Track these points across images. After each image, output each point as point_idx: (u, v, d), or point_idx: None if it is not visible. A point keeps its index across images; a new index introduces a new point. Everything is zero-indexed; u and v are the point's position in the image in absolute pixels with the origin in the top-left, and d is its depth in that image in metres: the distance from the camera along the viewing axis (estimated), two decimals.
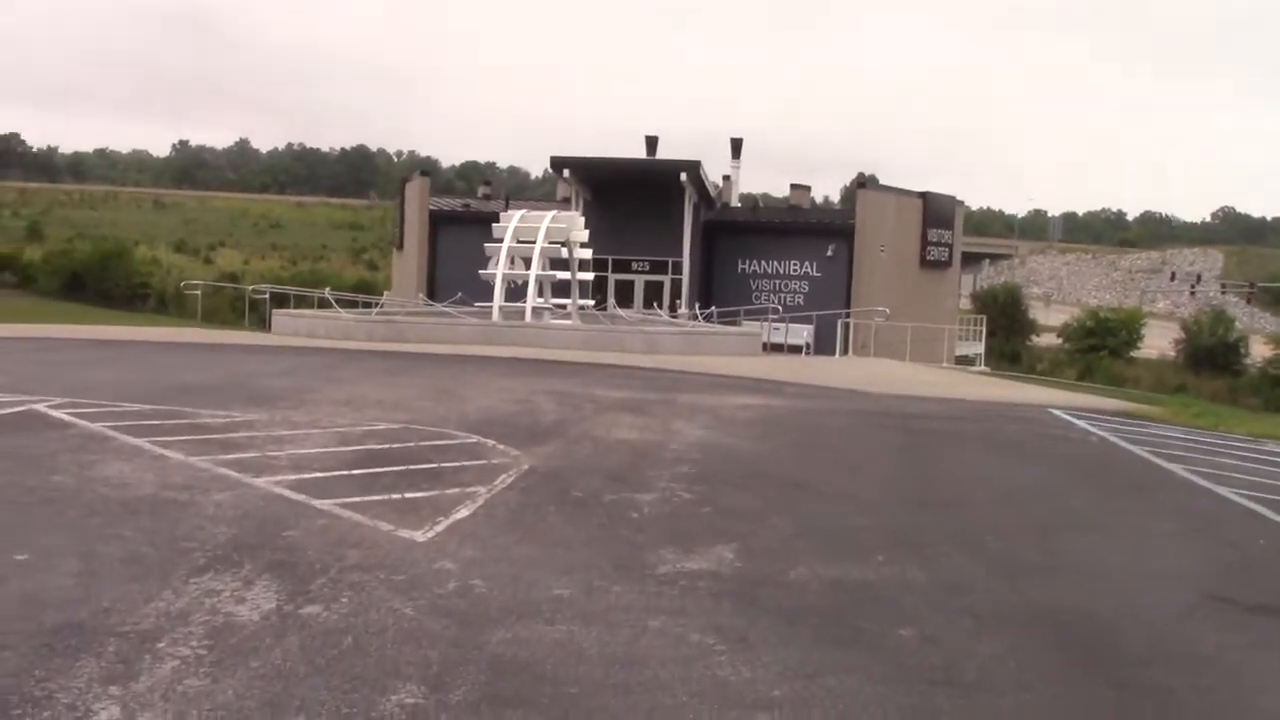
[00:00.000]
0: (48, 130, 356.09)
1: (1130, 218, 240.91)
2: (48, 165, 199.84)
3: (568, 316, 31.43)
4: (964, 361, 46.52)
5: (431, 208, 45.84)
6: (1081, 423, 16.33)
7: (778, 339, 33.47)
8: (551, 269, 31.24)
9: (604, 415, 14.43)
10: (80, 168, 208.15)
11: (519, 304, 28.64)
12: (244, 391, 15.24)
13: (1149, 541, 8.69)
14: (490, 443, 11.70)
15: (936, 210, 46.53)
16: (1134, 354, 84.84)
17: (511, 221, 29.12)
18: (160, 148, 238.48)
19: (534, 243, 28.49)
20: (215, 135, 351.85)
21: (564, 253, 30.01)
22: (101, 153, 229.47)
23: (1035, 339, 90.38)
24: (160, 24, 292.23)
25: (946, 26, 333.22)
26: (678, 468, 10.74)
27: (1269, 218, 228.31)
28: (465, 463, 10.51)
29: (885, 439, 13.62)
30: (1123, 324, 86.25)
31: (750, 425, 14.14)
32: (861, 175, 45.99)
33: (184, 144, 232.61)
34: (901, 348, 33.99)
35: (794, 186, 54.89)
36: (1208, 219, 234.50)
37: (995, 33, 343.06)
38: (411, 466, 10.15)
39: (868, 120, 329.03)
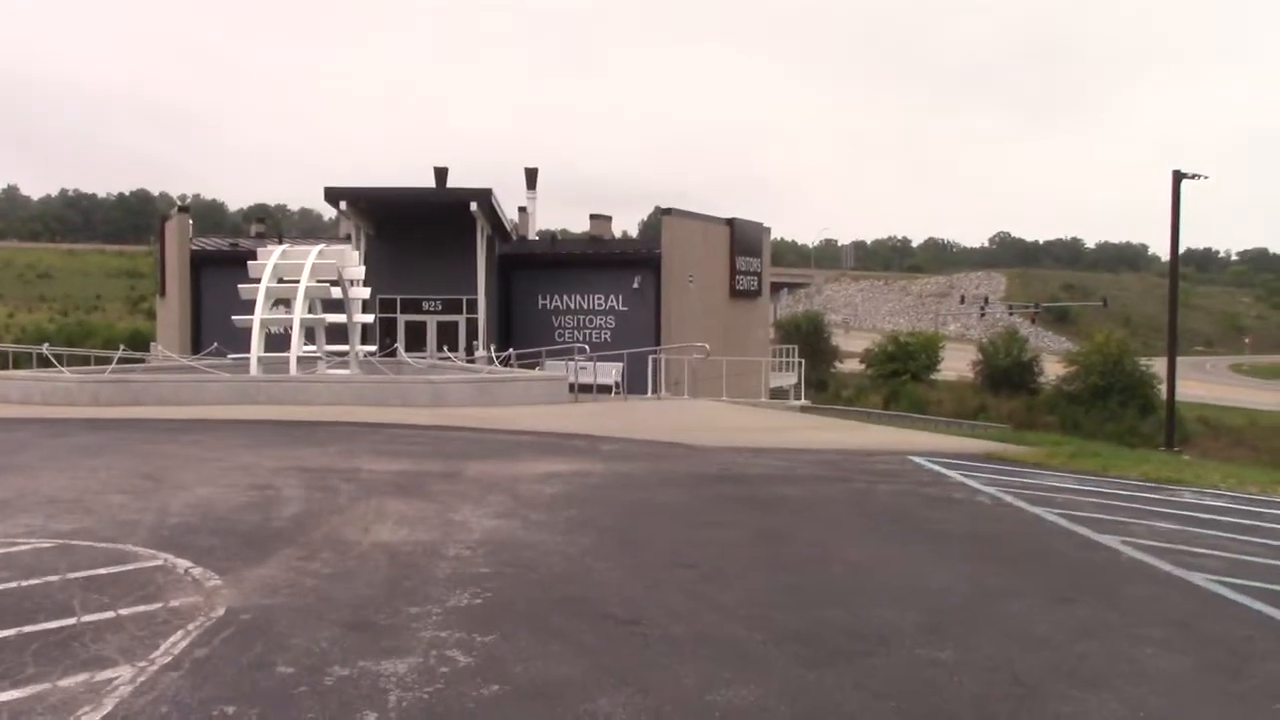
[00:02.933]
0: None
1: (915, 244, 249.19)
2: None
3: (346, 365, 27.49)
4: (779, 394, 44.49)
5: (194, 248, 40.95)
6: (956, 474, 13.57)
7: (586, 379, 30.25)
8: (326, 312, 27.30)
9: (364, 503, 10.82)
10: None
11: (285, 354, 24.50)
12: None
13: (1189, 700, 5.69)
14: (182, 567, 7.99)
15: (744, 237, 44.43)
16: (934, 376, 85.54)
17: (271, 258, 24.98)
18: None
19: (298, 282, 24.44)
20: None
21: (336, 293, 26.07)
22: None
23: (839, 365, 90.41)
24: None
25: (731, 61, 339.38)
26: (454, 596, 7.28)
27: (1041, 241, 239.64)
28: (125, 611, 6.80)
29: (736, 519, 10.42)
30: (922, 348, 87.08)
31: (559, 506, 10.76)
32: (659, 208, 43.43)
33: None
34: (716, 383, 31.33)
35: (594, 217, 52.07)
36: (986, 244, 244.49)
37: (777, 67, 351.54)
38: (30, 628, 6.42)
39: (660, 156, 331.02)
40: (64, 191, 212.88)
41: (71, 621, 6.58)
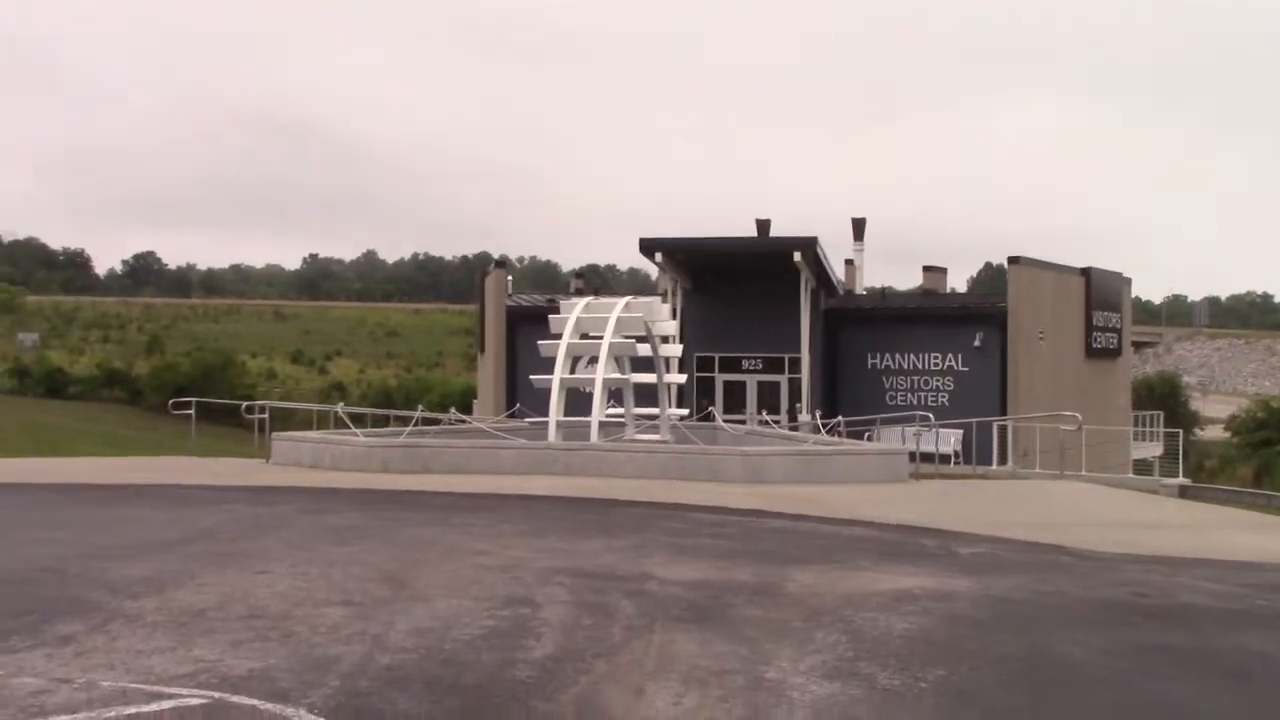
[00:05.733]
0: (187, 249, 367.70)
1: (1279, 300, 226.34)
2: (182, 282, 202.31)
3: (656, 430, 24.99)
4: (1142, 468, 39.05)
5: (510, 304, 40.20)
6: None
7: (924, 447, 26.48)
8: (636, 371, 24.96)
9: (645, 638, 7.84)
10: (214, 283, 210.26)
11: (587, 418, 22.19)
12: (48, 592, 9.05)
13: None
14: None
15: (1102, 289, 39.31)
16: None
17: (573, 312, 22.85)
18: (293, 262, 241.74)
19: (601, 338, 22.13)
20: (344, 248, 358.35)
21: (645, 350, 23.63)
22: (236, 268, 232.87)
23: (1199, 432, 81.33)
24: (291, 142, 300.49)
25: (1064, 114, 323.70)
26: None
27: None
28: None
29: (1207, 706, 6.69)
30: None
31: (917, 660, 7.37)
32: (991, 261, 39.09)
33: (314, 257, 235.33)
34: (1071, 455, 26.78)
35: (927, 269, 48.23)
36: None
37: (1104, 114, 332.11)
38: None
39: (983, 213, 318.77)
40: (415, 255, 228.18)
41: None
